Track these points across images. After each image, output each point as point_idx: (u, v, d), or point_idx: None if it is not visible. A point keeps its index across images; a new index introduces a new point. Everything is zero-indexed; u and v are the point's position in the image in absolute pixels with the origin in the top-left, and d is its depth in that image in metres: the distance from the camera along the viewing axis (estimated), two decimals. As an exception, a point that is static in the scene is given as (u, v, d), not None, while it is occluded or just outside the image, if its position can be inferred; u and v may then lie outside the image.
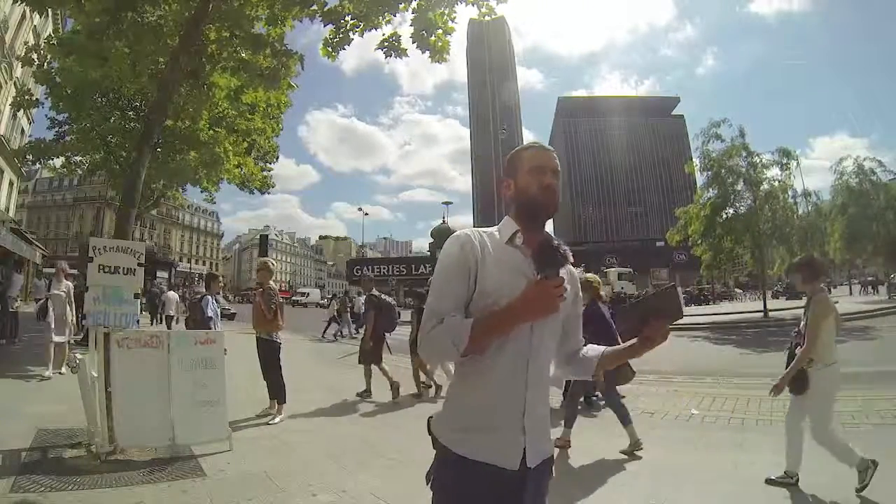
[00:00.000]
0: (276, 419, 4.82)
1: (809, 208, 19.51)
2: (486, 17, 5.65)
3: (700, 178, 19.17)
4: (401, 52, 5.67)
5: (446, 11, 5.38)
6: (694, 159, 20.07)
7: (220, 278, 7.27)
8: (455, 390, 1.25)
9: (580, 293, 1.39)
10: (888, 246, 23.05)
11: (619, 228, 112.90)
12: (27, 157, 12.94)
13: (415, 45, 5.52)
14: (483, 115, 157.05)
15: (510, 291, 1.12)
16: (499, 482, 1.14)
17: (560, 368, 1.37)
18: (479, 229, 1.26)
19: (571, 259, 1.24)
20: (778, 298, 29.45)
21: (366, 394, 6.12)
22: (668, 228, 22.42)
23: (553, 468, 1.27)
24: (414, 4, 5.40)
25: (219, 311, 6.17)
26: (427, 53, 5.51)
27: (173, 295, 13.12)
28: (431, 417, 1.27)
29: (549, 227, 1.31)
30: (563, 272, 1.17)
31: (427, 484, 1.22)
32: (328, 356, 10.42)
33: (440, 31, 5.42)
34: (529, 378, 1.17)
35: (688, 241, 18.79)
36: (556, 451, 1.38)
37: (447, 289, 1.17)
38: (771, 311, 17.94)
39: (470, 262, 1.16)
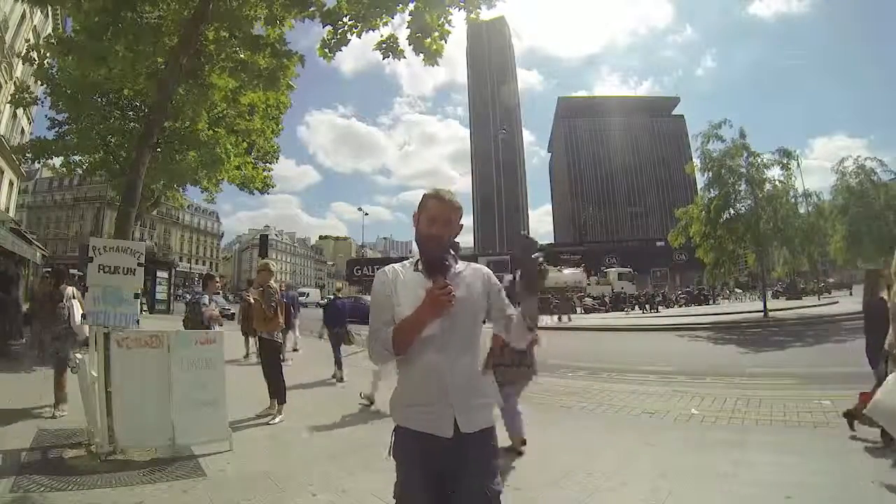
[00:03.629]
0: (276, 419, 4.82)
1: (810, 209, 19.42)
2: (479, 21, 5.62)
3: (700, 179, 19.12)
4: (398, 54, 5.66)
5: (443, 13, 5.37)
6: (694, 160, 20.02)
7: (217, 279, 7.45)
8: (399, 379, 1.61)
9: (493, 285, 1.65)
10: (889, 246, 22.98)
11: (619, 228, 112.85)
12: (27, 154, 12.91)
13: (411, 46, 5.51)
14: (483, 115, 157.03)
15: (417, 304, 1.47)
16: (438, 447, 1.46)
17: (507, 336, 1.67)
18: (396, 264, 1.68)
19: (453, 267, 1.56)
20: (778, 298, 29.45)
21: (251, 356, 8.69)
22: (668, 228, 22.42)
23: (495, 437, 1.57)
24: (411, 6, 5.39)
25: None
26: (422, 56, 5.50)
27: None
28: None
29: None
30: (460, 278, 1.55)
31: (389, 455, 1.57)
32: (327, 355, 10.40)
33: (436, 33, 5.41)
34: (447, 365, 1.50)
35: (689, 241, 18.73)
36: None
37: (376, 313, 1.59)
38: (771, 311, 17.93)
39: (388, 292, 1.58)
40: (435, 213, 1.61)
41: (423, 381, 1.53)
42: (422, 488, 1.49)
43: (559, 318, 20.88)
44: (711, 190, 18.10)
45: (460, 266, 1.64)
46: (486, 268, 1.71)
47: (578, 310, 26.79)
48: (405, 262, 1.68)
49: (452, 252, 1.64)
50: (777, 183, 17.42)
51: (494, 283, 1.68)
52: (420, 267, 1.60)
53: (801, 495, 2.94)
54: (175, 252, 66.07)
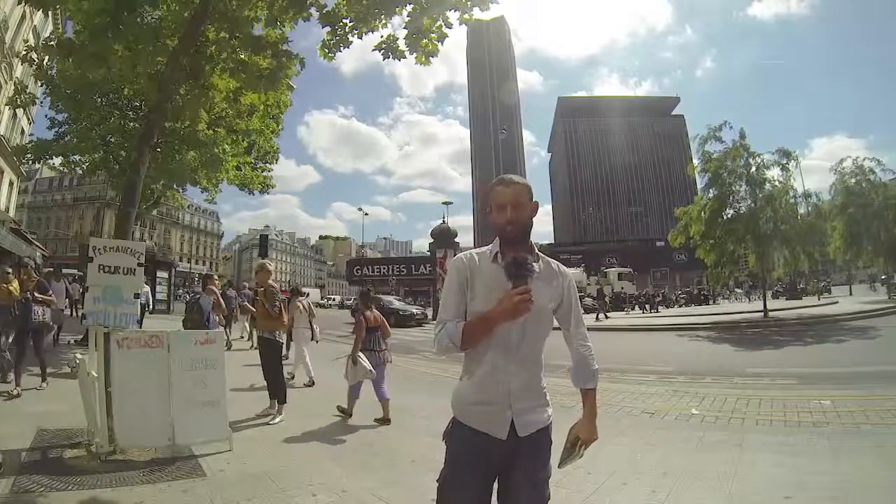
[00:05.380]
0: (276, 419, 4.82)
1: (809, 209, 19.39)
2: (472, 21, 5.63)
3: (700, 181, 19.07)
4: (398, 55, 5.67)
5: (440, 15, 5.38)
6: (694, 161, 19.99)
7: (216, 279, 7.53)
8: (463, 375, 1.60)
9: (572, 291, 1.63)
10: (888, 246, 23.01)
11: (619, 228, 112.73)
12: (27, 154, 12.89)
13: (408, 49, 5.53)
14: (483, 115, 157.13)
15: (494, 299, 1.45)
16: (491, 446, 1.48)
17: (573, 368, 1.65)
18: (474, 251, 1.63)
19: (537, 271, 1.47)
20: (778, 298, 29.44)
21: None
22: (668, 228, 22.41)
23: (550, 434, 1.58)
24: (409, 8, 5.40)
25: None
26: (415, 55, 5.52)
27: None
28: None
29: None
30: (537, 280, 1.46)
31: (443, 440, 1.59)
32: (327, 355, 10.42)
33: (433, 34, 5.42)
34: (513, 366, 1.50)
35: (689, 242, 18.68)
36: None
37: (448, 302, 1.55)
38: (771, 311, 17.92)
39: (463, 281, 1.55)
40: (502, 200, 1.55)
41: (486, 380, 1.51)
42: (463, 479, 1.52)
43: (597, 317, 21.56)
44: (711, 191, 18.08)
45: (539, 262, 1.57)
46: (566, 269, 1.65)
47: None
48: (484, 249, 1.62)
49: (533, 250, 1.56)
50: (776, 183, 17.39)
51: (572, 290, 1.63)
52: (499, 259, 1.53)
53: (801, 495, 2.94)
54: (175, 252, 66.04)
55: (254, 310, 11.68)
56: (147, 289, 11.38)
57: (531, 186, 1.59)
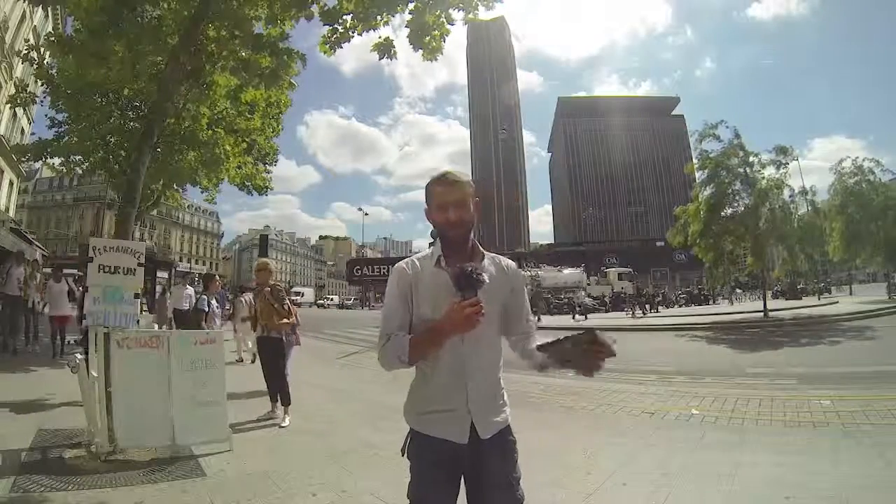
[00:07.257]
0: (286, 422, 4.71)
1: (808, 207, 19.36)
2: (477, 20, 5.64)
3: (699, 178, 19.02)
4: (392, 55, 5.68)
5: (443, 13, 5.39)
6: (694, 159, 19.97)
7: (218, 279, 7.57)
8: (414, 384, 1.52)
9: (521, 286, 1.58)
10: (888, 245, 23.01)
11: (619, 228, 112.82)
12: (27, 153, 12.88)
13: (411, 45, 5.54)
14: (483, 115, 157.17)
15: (440, 306, 1.38)
16: (454, 452, 1.41)
17: (516, 353, 1.55)
18: (415, 256, 1.53)
19: (486, 281, 1.35)
20: (777, 299, 29.44)
21: None
22: (668, 228, 22.44)
23: (512, 433, 1.51)
24: (411, 6, 5.40)
25: (217, 311, 6.34)
26: (420, 52, 5.52)
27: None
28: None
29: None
30: (487, 275, 1.36)
31: (403, 455, 1.50)
32: (327, 356, 10.43)
33: (436, 32, 5.43)
34: (468, 370, 1.43)
35: (687, 241, 18.64)
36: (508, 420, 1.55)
37: (391, 313, 1.45)
38: (771, 311, 17.92)
39: (405, 290, 1.45)
40: (442, 200, 1.45)
41: (441, 387, 1.44)
42: (435, 491, 1.45)
43: (633, 314, 22.37)
44: (708, 188, 18.04)
45: (485, 262, 1.49)
46: (511, 262, 1.58)
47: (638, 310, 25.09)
48: (426, 253, 1.55)
49: (476, 250, 1.50)
50: (770, 181, 17.32)
51: (519, 280, 1.57)
52: (442, 263, 1.45)
53: (801, 495, 2.93)
54: (175, 252, 66.05)
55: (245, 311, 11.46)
56: (190, 291, 10.49)
57: (474, 187, 1.51)
